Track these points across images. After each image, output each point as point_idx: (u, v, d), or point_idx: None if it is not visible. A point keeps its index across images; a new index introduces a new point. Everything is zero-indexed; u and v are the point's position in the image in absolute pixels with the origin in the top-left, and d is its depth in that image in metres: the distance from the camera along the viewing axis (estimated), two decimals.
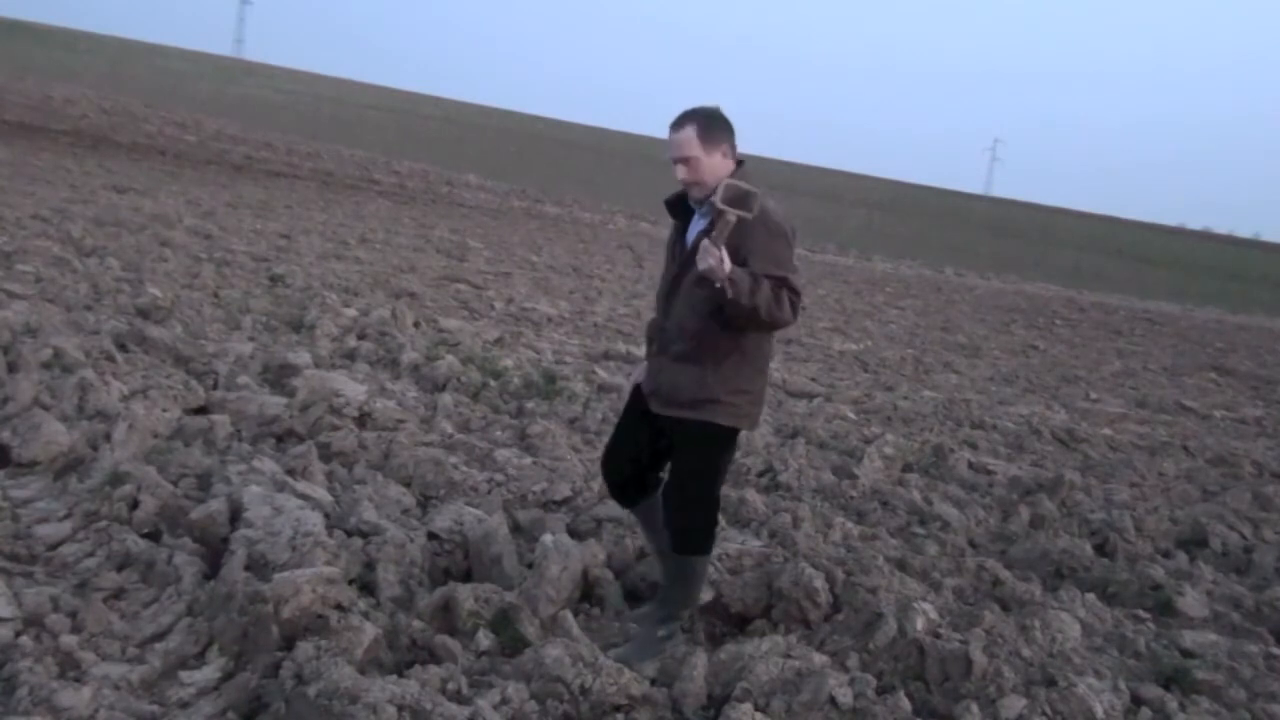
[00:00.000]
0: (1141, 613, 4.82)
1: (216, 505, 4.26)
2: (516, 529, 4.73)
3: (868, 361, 12.06)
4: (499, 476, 5.33)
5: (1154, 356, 17.18)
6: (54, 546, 4.03)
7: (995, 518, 6.18)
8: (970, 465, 7.32)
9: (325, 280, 11.00)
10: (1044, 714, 3.38)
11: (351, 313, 9.20)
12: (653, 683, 3.48)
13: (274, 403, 5.98)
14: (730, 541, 4.67)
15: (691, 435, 3.70)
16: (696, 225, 3.69)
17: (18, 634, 3.29)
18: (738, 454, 5.68)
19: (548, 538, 4.25)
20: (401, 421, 6.14)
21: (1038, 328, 19.43)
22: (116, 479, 4.43)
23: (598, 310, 12.59)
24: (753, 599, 4.26)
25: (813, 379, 10.06)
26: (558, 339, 10.28)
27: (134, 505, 4.28)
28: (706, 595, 4.14)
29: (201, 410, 5.85)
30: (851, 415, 8.45)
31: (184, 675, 3.27)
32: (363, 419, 6.08)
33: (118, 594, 3.72)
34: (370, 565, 4.05)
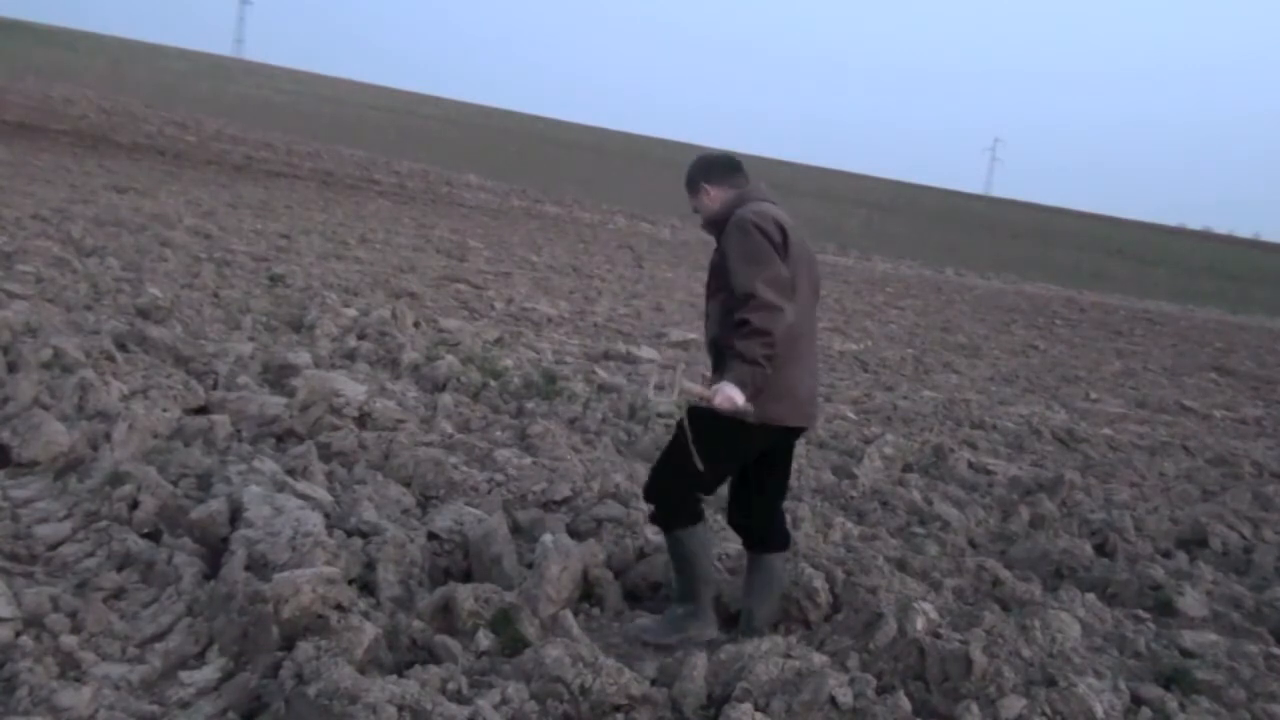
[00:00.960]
0: (1141, 613, 4.82)
1: (216, 505, 4.26)
2: (516, 529, 4.74)
3: (868, 361, 12.06)
4: (499, 476, 5.33)
5: (1154, 356, 17.18)
6: (54, 546, 4.03)
7: (995, 518, 6.18)
8: (970, 465, 7.32)
9: (325, 280, 11.00)
10: (1044, 714, 3.37)
11: (351, 313, 9.20)
12: (653, 683, 3.48)
13: (274, 403, 5.98)
14: (730, 541, 4.67)
15: (701, 414, 3.72)
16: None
17: (18, 634, 3.29)
18: None
19: (548, 538, 4.25)
20: (401, 421, 6.14)
21: (1038, 328, 19.43)
22: (116, 479, 4.43)
23: (598, 310, 12.60)
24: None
25: None
26: (558, 339, 10.28)
27: (134, 505, 4.28)
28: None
29: (201, 410, 5.85)
30: (851, 415, 8.45)
31: (184, 675, 3.27)
32: (363, 419, 6.09)
33: (118, 594, 3.72)
34: (370, 565, 4.05)
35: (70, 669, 3.18)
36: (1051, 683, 3.54)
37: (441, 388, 7.33)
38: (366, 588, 3.95)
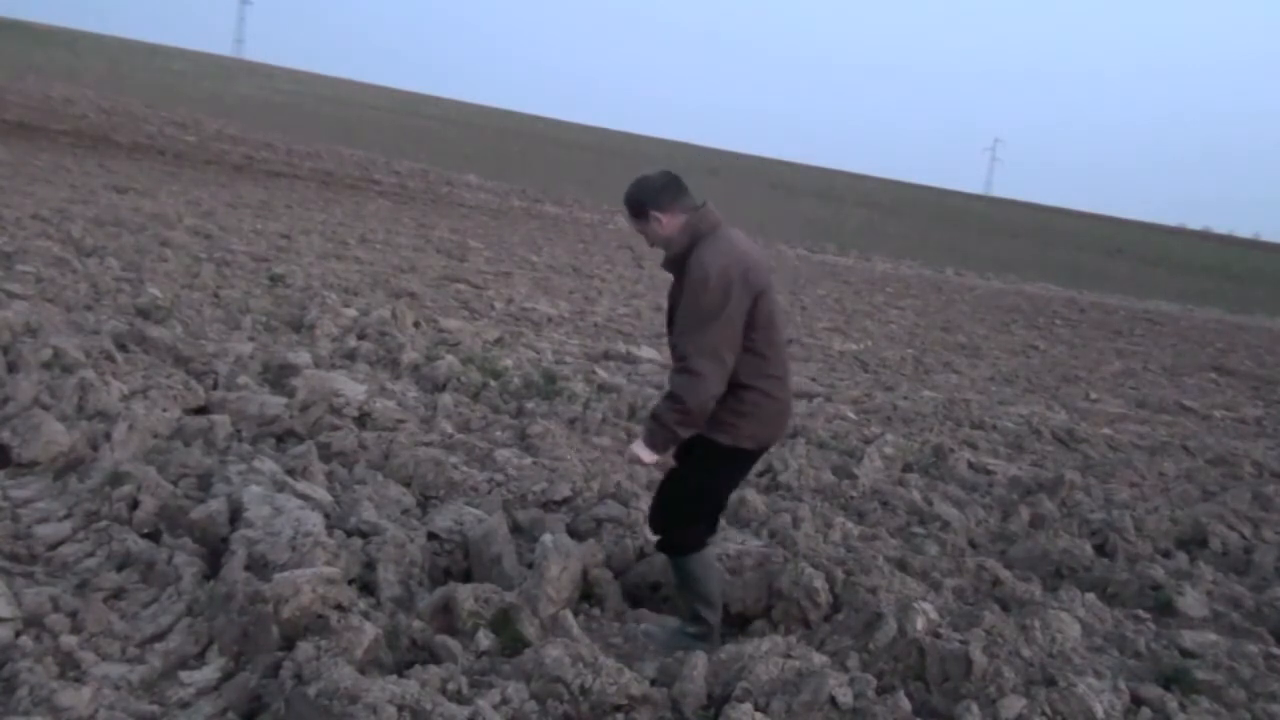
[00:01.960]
0: (1141, 613, 4.83)
1: (216, 505, 4.26)
2: (516, 529, 4.74)
3: (868, 361, 12.06)
4: (499, 476, 5.33)
5: (1154, 356, 17.18)
6: (54, 546, 4.03)
7: (995, 518, 6.18)
8: (970, 465, 7.32)
9: (325, 280, 11.00)
10: (1044, 714, 3.37)
11: (351, 313, 9.20)
12: (653, 683, 3.48)
13: (274, 403, 5.98)
14: (730, 541, 4.67)
15: (691, 446, 3.77)
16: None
17: (18, 634, 3.29)
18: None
19: (548, 538, 4.25)
20: (401, 421, 6.14)
21: (1038, 328, 19.43)
22: (116, 479, 4.43)
23: (598, 310, 12.59)
24: (753, 599, 4.27)
25: (813, 379, 10.06)
26: (558, 339, 10.28)
27: (134, 505, 4.28)
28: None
29: (201, 410, 5.85)
30: (851, 415, 8.45)
31: (184, 675, 3.27)
32: (363, 419, 6.09)
33: (118, 594, 3.72)
34: (370, 565, 4.05)
35: (70, 669, 3.18)
36: (1051, 683, 3.54)
37: (441, 388, 7.33)
38: (366, 588, 3.95)
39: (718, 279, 3.57)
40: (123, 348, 6.69)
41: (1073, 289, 31.81)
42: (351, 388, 6.39)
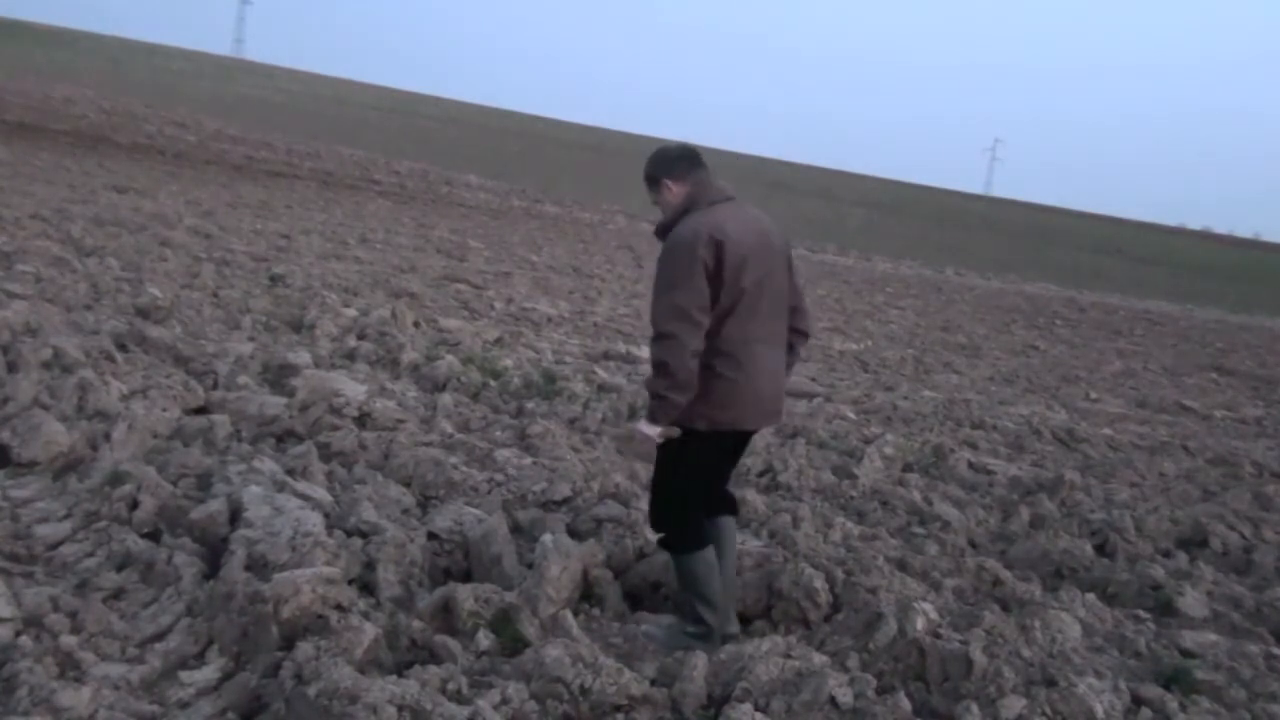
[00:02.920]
0: (1141, 613, 4.82)
1: (216, 505, 4.26)
2: (516, 529, 4.73)
3: (868, 361, 12.07)
4: (499, 476, 5.32)
5: (1154, 356, 17.18)
6: (54, 546, 4.03)
7: (995, 518, 6.18)
8: (970, 465, 7.32)
9: (325, 280, 11.00)
10: (1044, 714, 3.37)
11: (351, 313, 9.20)
12: (653, 683, 3.48)
13: (274, 403, 5.98)
14: None
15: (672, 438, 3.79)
16: None
17: (18, 634, 3.29)
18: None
19: (548, 538, 4.25)
20: (401, 421, 6.14)
21: (1038, 328, 19.44)
22: (116, 479, 4.43)
23: (598, 310, 12.59)
24: (753, 599, 4.27)
25: (813, 379, 10.06)
26: (558, 339, 10.28)
27: (134, 505, 4.28)
28: None
29: (201, 410, 5.85)
30: (851, 415, 8.45)
31: (184, 675, 3.27)
32: (363, 419, 6.08)
33: (118, 594, 3.71)
34: (370, 565, 4.04)
35: (70, 669, 3.18)
36: (1051, 683, 3.54)
37: (441, 388, 7.33)
38: (366, 588, 3.95)
39: (684, 244, 3.62)
40: (123, 348, 6.69)
41: (1073, 289, 31.82)
42: (351, 388, 6.39)
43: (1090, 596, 4.81)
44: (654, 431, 3.72)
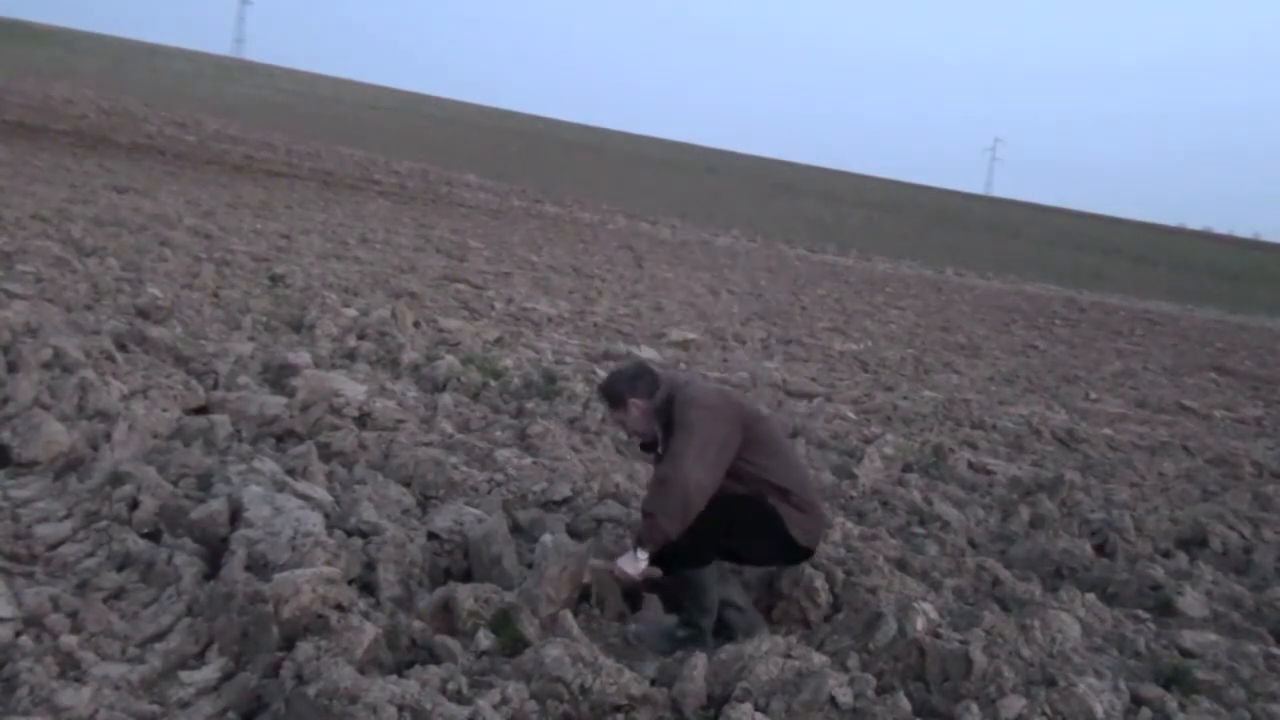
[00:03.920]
0: (1141, 613, 4.82)
1: (216, 505, 4.26)
2: (516, 529, 4.73)
3: (868, 361, 12.06)
4: (499, 476, 5.33)
5: (1154, 356, 17.18)
6: (54, 546, 4.03)
7: (995, 518, 6.18)
8: (970, 465, 7.32)
9: (325, 280, 11.00)
10: (1044, 714, 3.37)
11: (351, 313, 9.20)
12: (653, 683, 3.48)
13: (274, 403, 5.98)
14: None
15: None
16: None
17: (18, 634, 3.29)
18: None
19: (548, 538, 4.25)
20: (401, 421, 6.14)
21: (1038, 328, 19.44)
22: (116, 479, 4.43)
23: (598, 310, 12.59)
24: (753, 599, 4.26)
25: (813, 379, 10.06)
26: (558, 339, 10.28)
27: (134, 505, 4.28)
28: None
29: (201, 410, 5.85)
30: (851, 415, 8.45)
31: (184, 675, 3.27)
32: (363, 419, 6.08)
33: (118, 594, 3.71)
34: (370, 565, 4.05)
35: (70, 669, 3.18)
36: (1051, 683, 3.54)
37: (441, 388, 7.33)
38: (366, 588, 3.95)
39: (709, 409, 3.94)
40: (123, 348, 6.69)
41: (1073, 289, 31.81)
42: (351, 388, 6.39)
43: (1090, 596, 4.82)
44: (633, 570, 3.91)
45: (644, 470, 5.75)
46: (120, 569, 3.87)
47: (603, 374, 8.32)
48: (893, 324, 16.47)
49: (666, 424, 4.00)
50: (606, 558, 4.50)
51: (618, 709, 3.25)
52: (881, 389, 10.15)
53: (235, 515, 4.22)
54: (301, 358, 7.03)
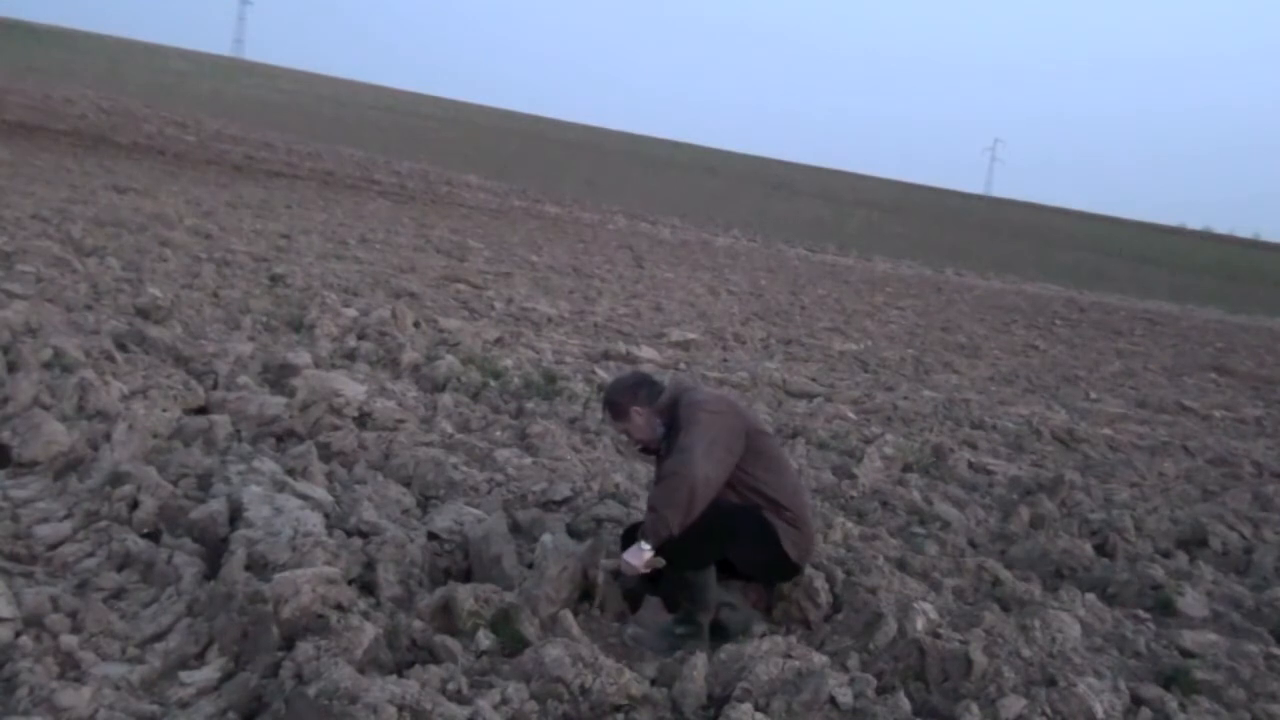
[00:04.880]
0: (1141, 613, 4.82)
1: (216, 505, 4.26)
2: (516, 529, 4.73)
3: (868, 361, 12.06)
4: (499, 476, 5.33)
5: (1154, 356, 17.18)
6: (54, 546, 4.03)
7: (995, 518, 6.18)
8: (970, 465, 7.32)
9: (325, 280, 11.00)
10: (1044, 714, 3.38)
11: (351, 313, 9.20)
12: (653, 683, 3.48)
13: (274, 403, 5.98)
14: None
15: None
16: None
17: (18, 634, 3.29)
18: None
19: (547, 538, 4.25)
20: (401, 421, 6.14)
21: (1038, 328, 19.44)
22: (116, 479, 4.43)
23: (598, 310, 12.59)
24: (753, 599, 4.26)
25: (813, 379, 10.06)
26: (558, 339, 10.28)
27: (134, 505, 4.28)
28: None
29: (201, 410, 5.85)
30: (851, 415, 8.45)
31: (184, 675, 3.27)
32: (363, 419, 6.09)
33: (118, 594, 3.72)
34: (370, 565, 4.05)
35: (70, 669, 3.18)
36: (1051, 683, 3.54)
37: (441, 388, 7.33)
38: (366, 588, 3.95)
39: (713, 411, 3.98)
40: (123, 348, 6.69)
41: (1073, 289, 31.82)
42: (351, 388, 6.39)
43: (1090, 596, 4.81)
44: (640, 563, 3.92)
45: (644, 470, 5.76)
46: (120, 569, 3.87)
47: (603, 374, 8.34)
48: (893, 324, 16.46)
49: (672, 424, 4.02)
50: (608, 553, 4.51)
51: (618, 709, 3.25)
52: (881, 389, 10.15)
53: (235, 515, 4.23)
54: (301, 358, 7.03)
